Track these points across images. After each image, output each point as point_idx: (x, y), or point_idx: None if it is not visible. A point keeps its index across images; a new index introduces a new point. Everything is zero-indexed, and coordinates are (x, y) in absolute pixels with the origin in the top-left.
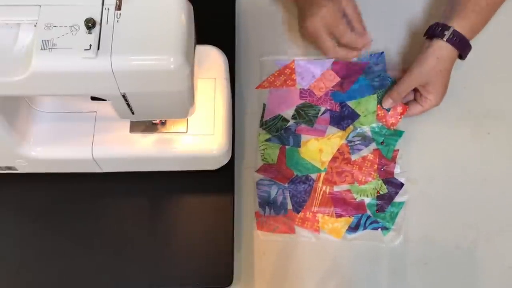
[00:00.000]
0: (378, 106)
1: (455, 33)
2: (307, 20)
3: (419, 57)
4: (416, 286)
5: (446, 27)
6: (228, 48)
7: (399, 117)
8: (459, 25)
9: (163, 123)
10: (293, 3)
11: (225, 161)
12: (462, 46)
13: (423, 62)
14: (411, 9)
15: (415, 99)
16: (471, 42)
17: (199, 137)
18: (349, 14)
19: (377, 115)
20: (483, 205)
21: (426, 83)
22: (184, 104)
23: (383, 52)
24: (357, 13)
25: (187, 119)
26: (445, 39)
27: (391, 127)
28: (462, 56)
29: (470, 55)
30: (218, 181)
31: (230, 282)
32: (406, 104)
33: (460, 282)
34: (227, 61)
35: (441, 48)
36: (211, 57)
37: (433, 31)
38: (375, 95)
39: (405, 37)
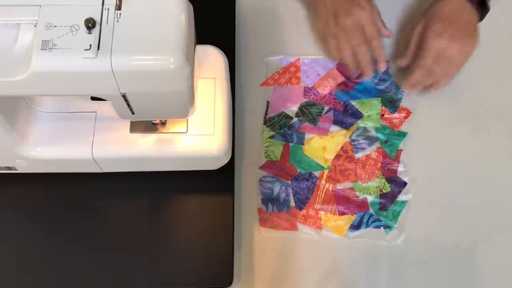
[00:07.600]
0: (382, 108)
1: None
2: (346, 17)
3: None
4: (416, 286)
5: None
6: (229, 48)
7: (403, 120)
8: None
9: (163, 123)
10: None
11: (225, 161)
12: None
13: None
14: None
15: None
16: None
17: (199, 137)
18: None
19: (381, 116)
20: (483, 205)
21: (435, 23)
22: (184, 104)
23: None
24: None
25: (187, 119)
26: None
27: (395, 129)
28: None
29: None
30: (218, 181)
31: (230, 282)
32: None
33: (460, 282)
34: (227, 61)
35: None
36: (211, 57)
37: None
38: (379, 98)
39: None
